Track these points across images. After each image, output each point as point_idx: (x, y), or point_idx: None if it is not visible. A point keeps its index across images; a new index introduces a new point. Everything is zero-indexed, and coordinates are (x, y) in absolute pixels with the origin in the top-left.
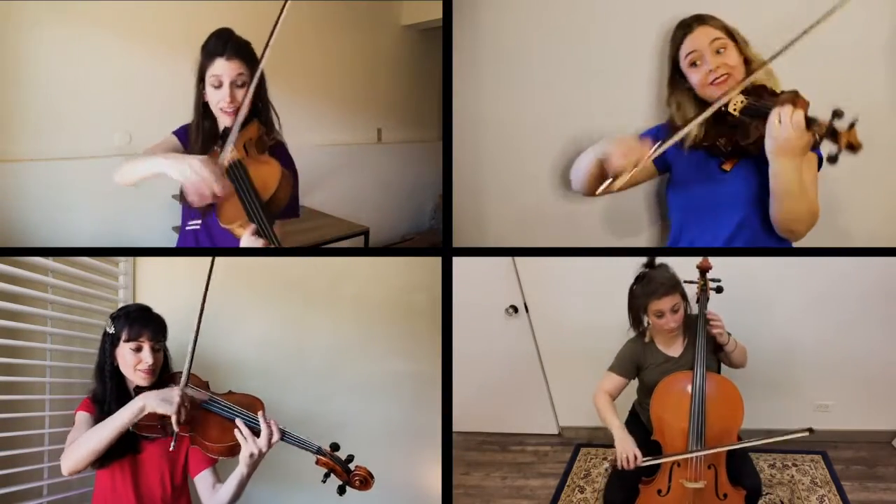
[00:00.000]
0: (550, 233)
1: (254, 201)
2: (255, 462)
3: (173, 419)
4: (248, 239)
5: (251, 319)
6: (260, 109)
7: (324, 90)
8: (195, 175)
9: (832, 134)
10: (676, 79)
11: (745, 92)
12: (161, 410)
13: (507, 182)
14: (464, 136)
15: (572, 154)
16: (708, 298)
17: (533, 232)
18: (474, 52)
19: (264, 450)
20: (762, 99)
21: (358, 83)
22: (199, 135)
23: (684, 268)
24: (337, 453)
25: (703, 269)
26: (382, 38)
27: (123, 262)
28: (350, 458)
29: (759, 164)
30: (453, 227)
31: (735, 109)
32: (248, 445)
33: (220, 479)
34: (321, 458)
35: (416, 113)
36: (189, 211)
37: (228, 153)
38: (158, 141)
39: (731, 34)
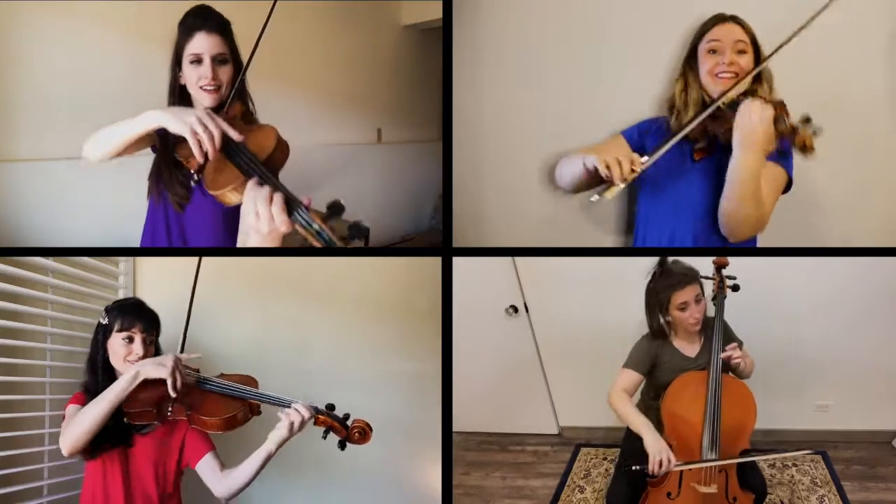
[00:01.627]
0: (550, 233)
1: (250, 159)
2: (285, 441)
3: (168, 382)
4: (252, 190)
5: (251, 319)
6: (241, 93)
7: (324, 90)
8: (200, 125)
9: (792, 132)
10: (690, 62)
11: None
12: (155, 374)
13: (506, 182)
14: (463, 136)
15: (572, 153)
16: (725, 296)
17: (533, 232)
18: (474, 52)
19: (307, 416)
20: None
21: (358, 83)
22: None
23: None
24: (334, 412)
25: (720, 266)
26: (382, 38)
27: (123, 262)
28: (346, 416)
29: (726, 160)
30: (453, 227)
31: (724, 104)
32: (292, 415)
33: (224, 463)
34: (319, 416)
35: (416, 113)
36: (154, 207)
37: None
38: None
39: (755, 44)
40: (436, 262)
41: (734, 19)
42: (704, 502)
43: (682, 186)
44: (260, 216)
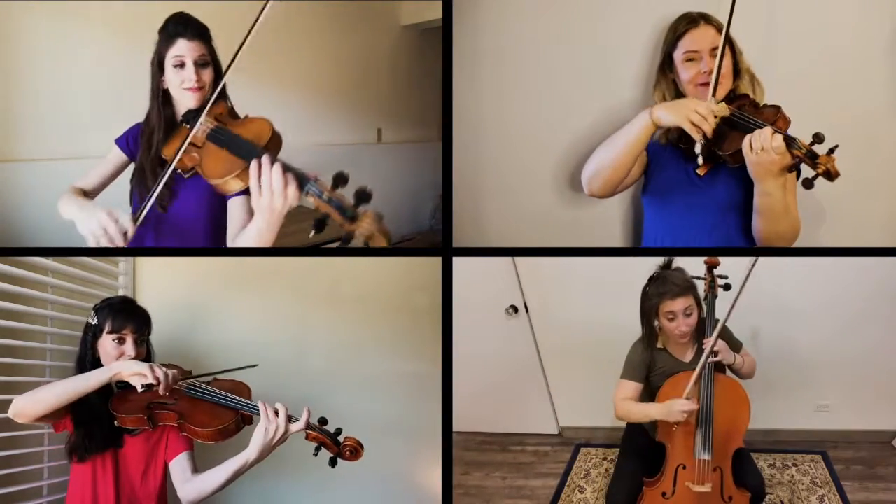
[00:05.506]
0: (550, 233)
1: (251, 147)
2: (268, 447)
3: (151, 379)
4: (259, 169)
5: (251, 319)
6: (223, 93)
7: (324, 90)
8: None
9: (811, 157)
10: (665, 69)
11: (728, 100)
12: (136, 370)
13: (507, 182)
14: (464, 136)
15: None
16: (716, 296)
17: (533, 232)
18: (474, 52)
19: (282, 429)
20: (744, 111)
21: (358, 83)
22: (161, 122)
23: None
24: (325, 427)
25: (711, 266)
26: (382, 38)
27: (123, 262)
28: (339, 431)
29: (735, 172)
30: (453, 227)
31: (717, 117)
32: (268, 423)
33: (197, 467)
34: (311, 432)
35: (416, 113)
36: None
37: (201, 124)
38: (104, 157)
39: (729, 40)
40: (436, 262)
41: (705, 20)
42: (699, 501)
43: (691, 196)
44: (274, 191)
